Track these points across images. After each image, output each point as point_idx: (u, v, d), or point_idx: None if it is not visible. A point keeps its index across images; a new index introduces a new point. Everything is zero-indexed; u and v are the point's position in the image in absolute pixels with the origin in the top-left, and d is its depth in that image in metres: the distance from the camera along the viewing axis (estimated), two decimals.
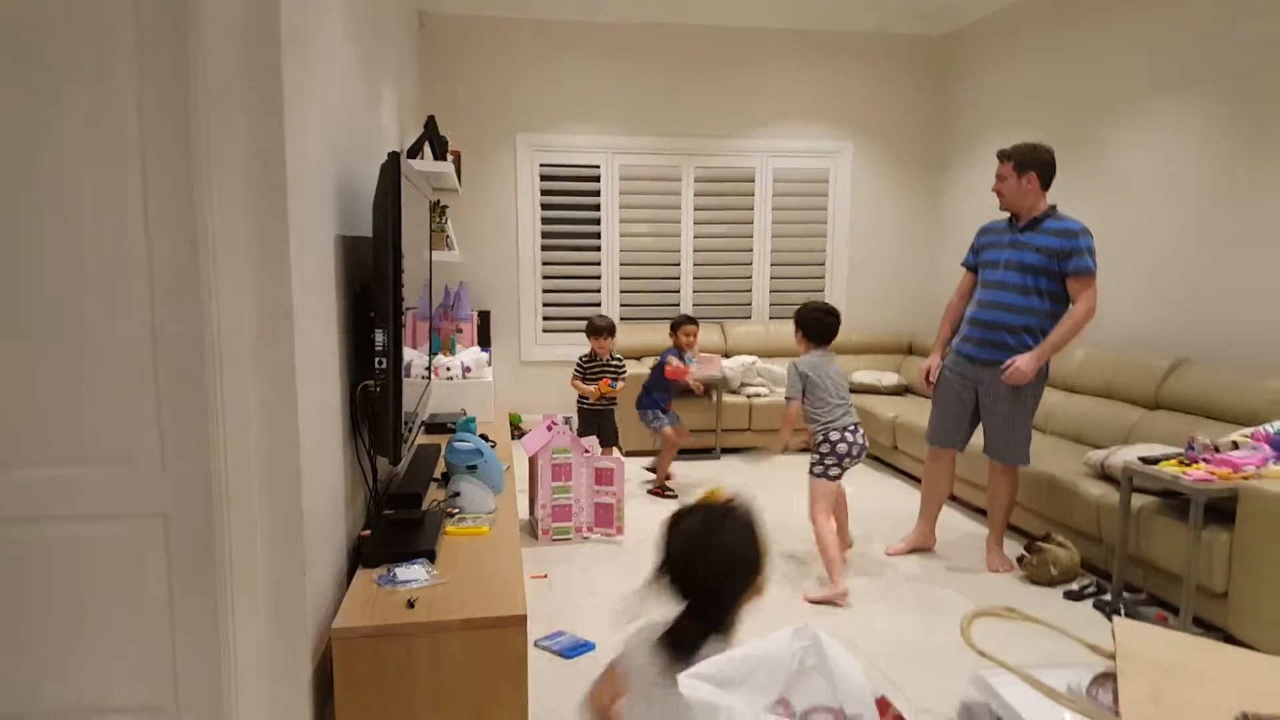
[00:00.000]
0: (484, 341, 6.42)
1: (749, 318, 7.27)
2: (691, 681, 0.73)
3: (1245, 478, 3.10)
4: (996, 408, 3.83)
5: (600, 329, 5.19)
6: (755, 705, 0.73)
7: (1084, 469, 4.03)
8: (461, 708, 2.00)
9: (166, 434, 1.86)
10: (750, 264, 7.25)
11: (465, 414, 3.98)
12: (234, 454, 1.84)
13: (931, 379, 4.10)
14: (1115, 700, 0.75)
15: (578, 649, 3.06)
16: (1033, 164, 3.80)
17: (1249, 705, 0.67)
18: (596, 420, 5.12)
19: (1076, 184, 5.42)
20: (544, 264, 6.99)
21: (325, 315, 2.20)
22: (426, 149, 4.79)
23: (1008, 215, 3.94)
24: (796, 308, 3.96)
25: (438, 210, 5.32)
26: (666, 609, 1.26)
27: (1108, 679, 0.78)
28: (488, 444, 3.12)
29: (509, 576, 2.27)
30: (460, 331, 5.20)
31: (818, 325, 3.89)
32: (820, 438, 3.81)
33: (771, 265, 7.27)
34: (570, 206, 6.99)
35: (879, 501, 5.09)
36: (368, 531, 2.54)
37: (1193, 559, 3.13)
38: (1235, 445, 3.38)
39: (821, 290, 7.37)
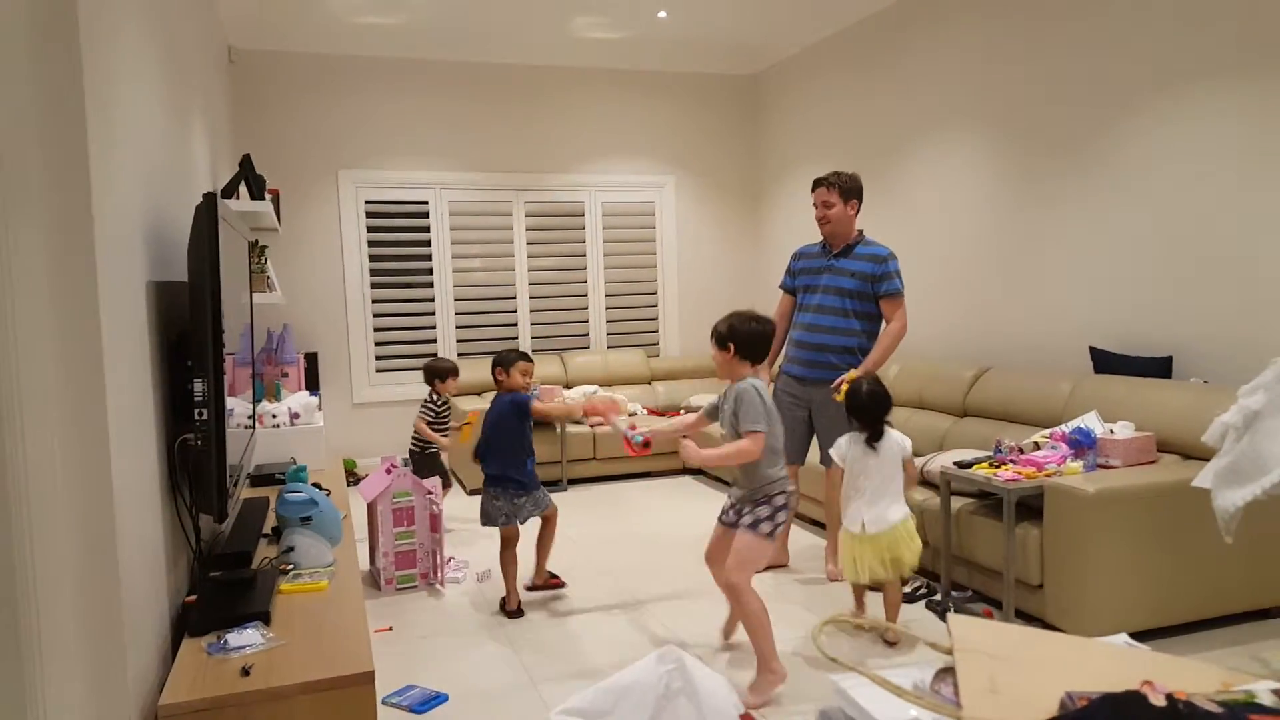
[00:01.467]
0: (312, 385, 6.13)
1: (588, 348, 7.33)
2: (561, 716, 0.72)
3: (1049, 475, 3.39)
4: (830, 421, 4.02)
5: (443, 371, 5.07)
6: None
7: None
8: None
9: None
10: (586, 295, 7.32)
11: (295, 463, 3.78)
12: (39, 520, 1.67)
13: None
14: (956, 692, 0.80)
15: (429, 702, 2.95)
16: (854, 192, 4.07)
17: (1074, 686, 0.74)
18: (430, 463, 5.02)
19: (879, 211, 5.82)
20: (374, 302, 6.79)
21: (139, 366, 2.04)
22: (243, 188, 4.56)
23: (820, 240, 4.18)
24: (717, 322, 3.15)
25: (257, 251, 5.07)
26: None
27: (948, 673, 0.83)
28: (322, 493, 2.98)
29: (352, 632, 2.16)
30: (286, 376, 4.96)
31: (753, 339, 3.08)
32: (778, 487, 3.04)
33: (606, 295, 7.37)
34: (400, 243, 6.84)
35: None
36: (193, 597, 2.35)
37: (1009, 555, 3.39)
38: (1037, 445, 3.69)
39: (656, 318, 7.54)
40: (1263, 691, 0.75)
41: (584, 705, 0.71)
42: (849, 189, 4.07)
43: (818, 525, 4.87)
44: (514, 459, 3.80)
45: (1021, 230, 4.85)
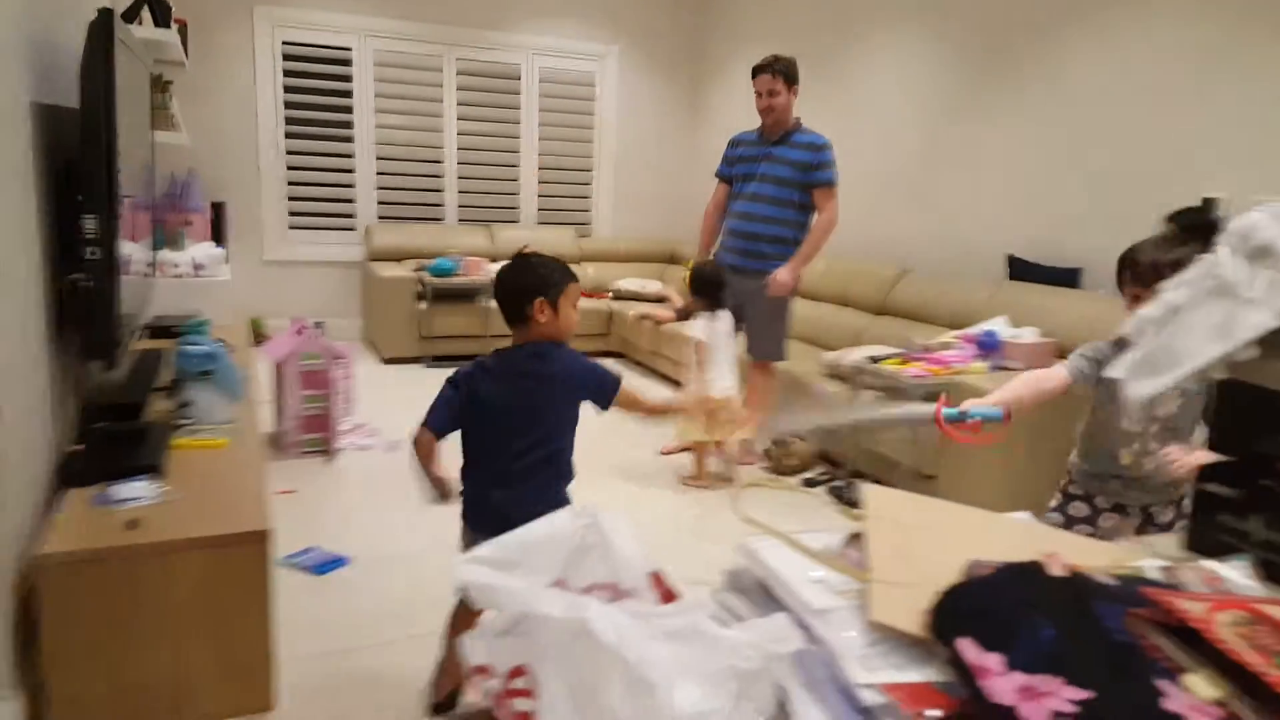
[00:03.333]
0: (219, 237, 5.84)
1: (517, 222, 7.15)
2: (468, 566, 0.70)
3: (953, 373, 3.51)
4: (758, 312, 4.03)
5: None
6: (533, 585, 0.72)
7: (820, 369, 4.38)
8: (199, 634, 1.84)
9: None
10: (517, 166, 7.09)
11: (198, 316, 3.62)
12: None
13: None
14: (865, 557, 0.80)
15: (329, 564, 2.94)
16: (795, 77, 3.97)
17: (979, 555, 0.75)
18: None
19: (822, 100, 5.71)
20: (290, 153, 6.43)
21: (18, 196, 1.88)
22: (146, 13, 4.19)
23: (757, 128, 4.09)
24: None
25: (160, 86, 4.70)
26: None
27: (858, 539, 0.84)
28: (224, 348, 2.86)
29: (250, 491, 2.10)
30: (190, 224, 4.68)
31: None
32: None
33: (540, 169, 7.16)
34: (320, 91, 6.45)
35: None
36: (79, 448, 2.25)
37: (908, 446, 3.52)
38: (946, 346, 3.80)
39: (589, 196, 7.37)
40: (1150, 568, 0.78)
41: (491, 554, 0.70)
42: (791, 75, 3.97)
43: None
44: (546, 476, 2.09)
45: (955, 135, 4.85)
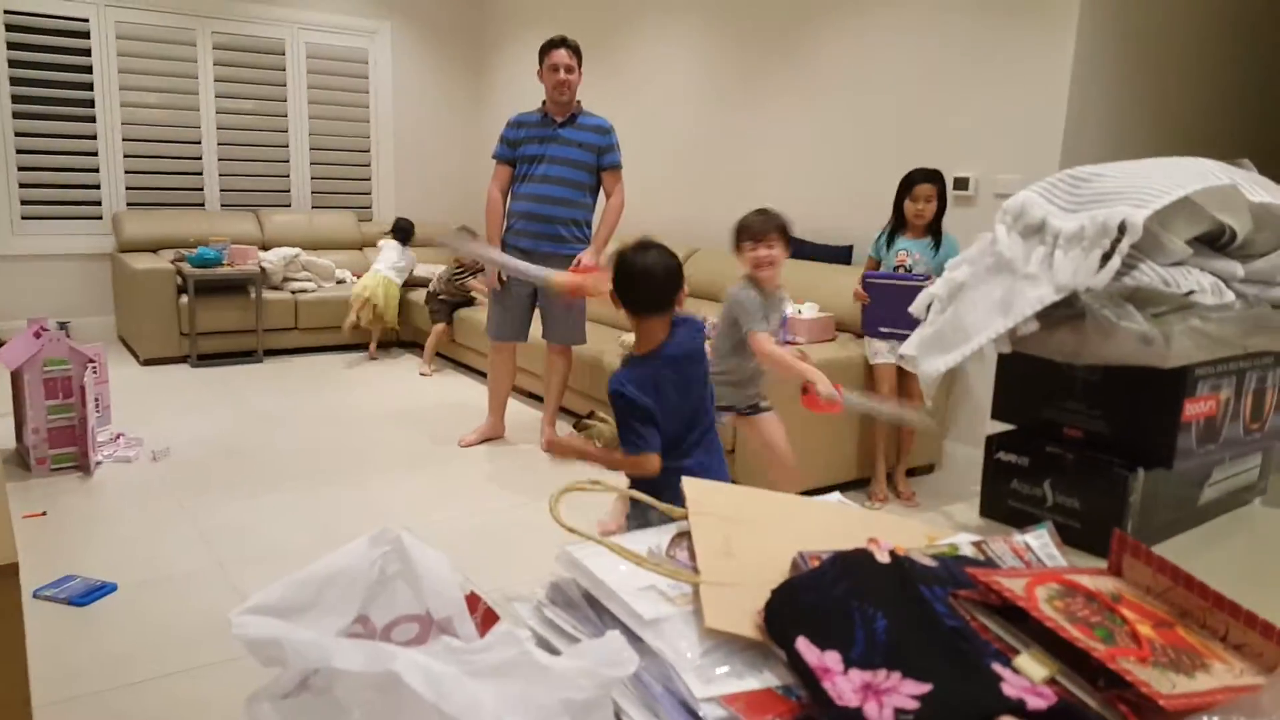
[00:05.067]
0: None
1: (289, 206, 6.67)
2: (244, 619, 0.59)
3: None
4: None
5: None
6: (327, 630, 0.62)
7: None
8: None
9: None
10: (287, 146, 6.61)
11: None
12: None
13: (504, 279, 4.04)
14: (692, 557, 0.77)
15: (93, 593, 2.61)
16: (581, 56, 3.92)
17: (804, 545, 0.73)
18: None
19: (600, 84, 5.72)
20: (19, 135, 5.65)
21: None
22: None
23: (539, 109, 4.00)
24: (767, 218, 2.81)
25: None
26: None
27: (683, 538, 0.80)
28: None
29: None
30: None
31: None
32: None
33: (311, 150, 6.70)
34: (54, 66, 5.70)
35: (448, 396, 5.09)
36: None
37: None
38: None
39: (369, 178, 7.01)
40: (964, 543, 0.80)
41: (274, 601, 0.59)
42: (580, 55, 3.94)
43: (535, 399, 4.90)
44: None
45: (732, 120, 4.99)
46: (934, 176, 3.52)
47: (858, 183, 4.37)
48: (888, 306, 3.46)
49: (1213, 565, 0.83)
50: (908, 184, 3.54)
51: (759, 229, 2.71)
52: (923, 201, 3.50)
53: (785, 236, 2.73)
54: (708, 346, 2.27)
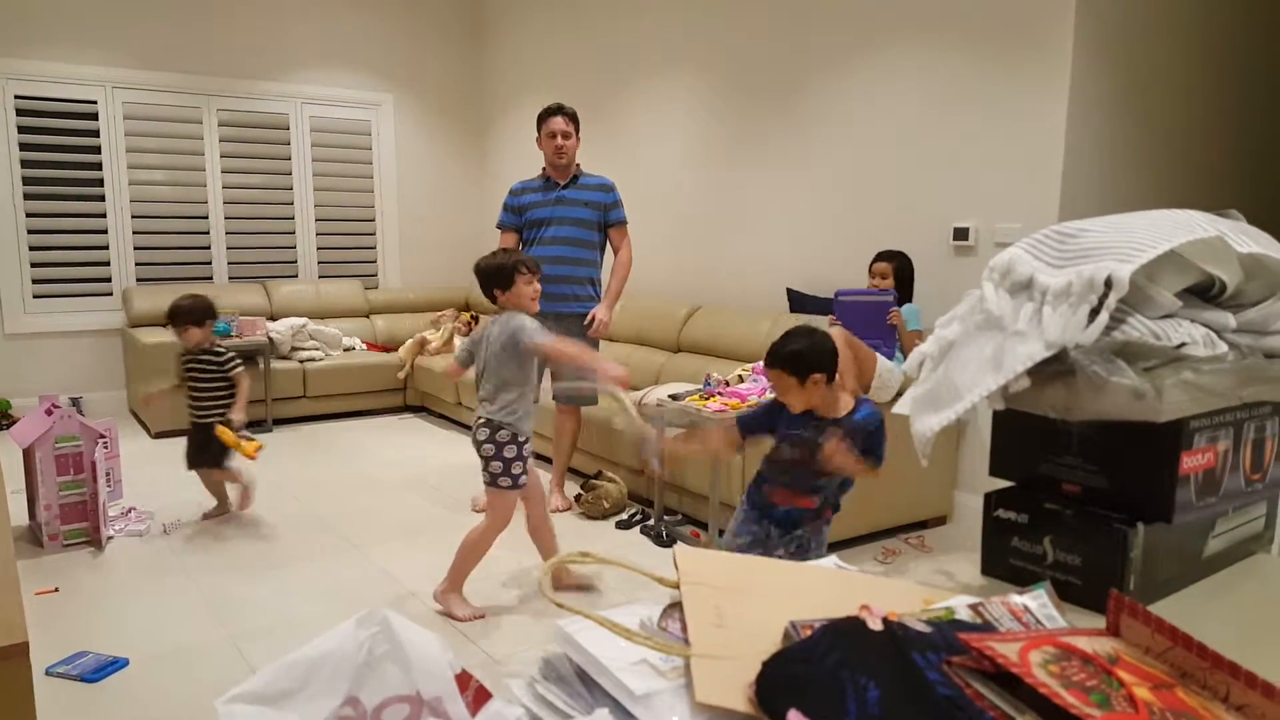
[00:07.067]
0: None
1: (296, 276, 6.75)
2: (231, 708, 0.59)
3: (752, 406, 3.60)
4: None
5: (180, 313, 3.86)
6: (316, 714, 0.62)
7: (627, 410, 4.40)
8: None
9: None
10: (293, 218, 6.71)
11: None
12: None
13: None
14: (684, 628, 0.77)
15: (105, 669, 2.60)
16: (579, 124, 4.03)
17: (796, 614, 0.72)
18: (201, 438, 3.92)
19: (600, 146, 5.82)
20: (30, 216, 5.77)
21: None
22: None
23: (540, 175, 4.11)
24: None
25: None
26: None
27: (675, 609, 0.80)
28: None
29: (1, 597, 1.80)
30: None
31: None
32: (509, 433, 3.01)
33: (317, 220, 6.81)
34: (63, 148, 5.85)
35: (451, 458, 5.07)
36: None
37: (715, 480, 3.58)
38: (741, 379, 3.91)
39: (374, 246, 7.10)
40: (960, 607, 0.79)
41: (260, 688, 0.59)
42: (577, 120, 4.06)
43: (543, 459, 4.88)
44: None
45: (730, 179, 5.06)
46: (892, 257, 3.88)
47: (856, 238, 4.41)
48: (858, 322, 3.66)
49: (1221, 618, 0.82)
50: (873, 260, 3.93)
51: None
52: (879, 277, 3.87)
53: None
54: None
